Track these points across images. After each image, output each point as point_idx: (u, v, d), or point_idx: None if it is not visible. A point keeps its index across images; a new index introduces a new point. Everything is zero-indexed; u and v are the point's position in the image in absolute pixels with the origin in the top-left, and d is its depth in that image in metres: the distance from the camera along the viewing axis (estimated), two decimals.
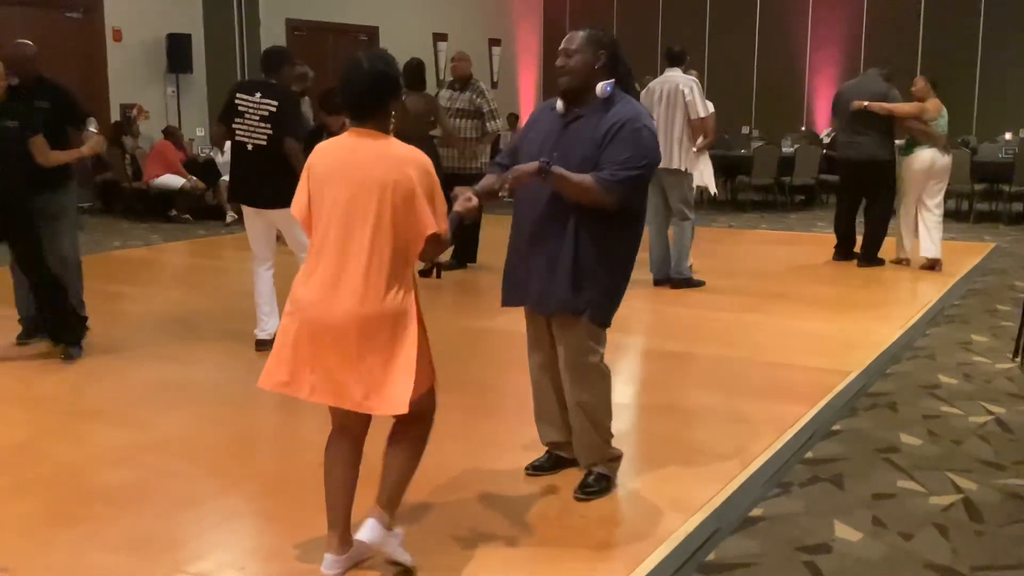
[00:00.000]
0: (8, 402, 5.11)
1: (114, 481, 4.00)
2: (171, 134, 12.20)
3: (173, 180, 11.84)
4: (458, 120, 8.33)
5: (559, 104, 3.72)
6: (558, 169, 3.48)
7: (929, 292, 7.74)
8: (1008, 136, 13.98)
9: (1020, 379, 5.43)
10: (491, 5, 18.55)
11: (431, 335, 3.21)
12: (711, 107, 7.88)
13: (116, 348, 6.10)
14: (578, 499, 3.78)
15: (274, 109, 5.82)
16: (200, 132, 13.58)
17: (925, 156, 8.52)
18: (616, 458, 3.92)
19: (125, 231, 11.18)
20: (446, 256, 8.36)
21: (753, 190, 13.91)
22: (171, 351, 6.07)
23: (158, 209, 11.98)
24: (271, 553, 3.41)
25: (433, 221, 3.01)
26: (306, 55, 13.90)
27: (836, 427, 4.67)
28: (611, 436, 3.88)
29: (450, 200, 3.29)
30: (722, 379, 5.45)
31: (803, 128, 16.72)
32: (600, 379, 3.78)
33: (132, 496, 3.86)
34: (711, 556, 3.38)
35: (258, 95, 5.87)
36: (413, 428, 3.21)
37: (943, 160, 8.54)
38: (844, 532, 3.55)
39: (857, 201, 9.12)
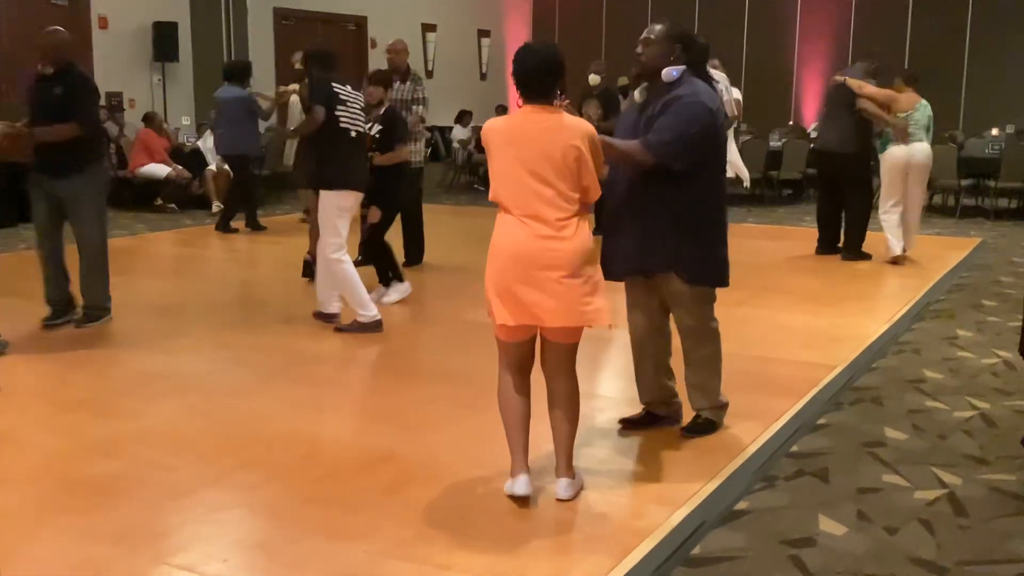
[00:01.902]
0: None
1: (99, 472, 3.98)
2: (150, 120, 12.11)
3: (159, 169, 11.78)
4: (404, 112, 8.09)
5: (637, 94, 4.18)
6: (604, 139, 3.80)
7: (915, 287, 7.75)
8: (995, 131, 14.03)
9: (1005, 374, 5.45)
10: None
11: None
12: (736, 93, 8.16)
13: (101, 338, 6.08)
14: (683, 436, 4.36)
15: (363, 103, 6.45)
16: (186, 120, 13.51)
17: (899, 152, 8.52)
18: (723, 406, 4.46)
19: (111, 220, 11.04)
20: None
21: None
22: (157, 341, 6.04)
23: (144, 198, 11.92)
24: (256, 544, 3.40)
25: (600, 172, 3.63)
26: (294, 44, 13.85)
27: (822, 421, 4.68)
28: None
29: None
30: None
31: (791, 122, 16.74)
32: (715, 338, 4.39)
33: (117, 487, 3.84)
34: (696, 549, 3.38)
35: (348, 87, 6.25)
36: (568, 384, 3.75)
37: (919, 156, 8.48)
38: (829, 526, 3.55)
39: (834, 193, 9.16)
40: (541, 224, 3.51)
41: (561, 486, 3.71)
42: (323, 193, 6.11)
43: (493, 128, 3.62)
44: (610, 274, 4.15)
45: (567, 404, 3.74)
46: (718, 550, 3.37)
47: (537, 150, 3.50)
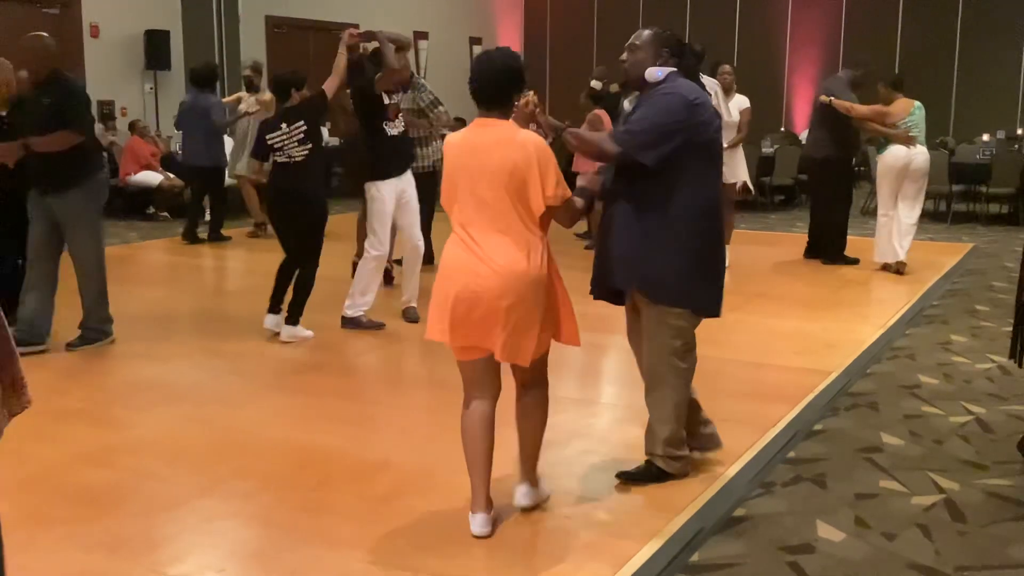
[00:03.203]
0: None
1: (93, 482, 3.96)
2: (137, 128, 12.07)
3: (151, 177, 11.74)
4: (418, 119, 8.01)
5: (627, 103, 4.16)
6: (571, 131, 3.76)
7: (908, 292, 7.76)
8: (986, 137, 14.06)
9: (1000, 379, 5.45)
10: (472, 3, 18.52)
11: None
12: (745, 102, 8.17)
13: (94, 348, 6.04)
14: (617, 479, 3.96)
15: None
16: (179, 129, 13.46)
17: (899, 154, 8.47)
18: (679, 457, 3.98)
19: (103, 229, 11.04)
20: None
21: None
22: (149, 350, 6.01)
23: (136, 206, 11.88)
24: (252, 553, 3.38)
25: (550, 193, 3.34)
26: (286, 52, 13.87)
27: (818, 427, 4.67)
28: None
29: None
30: (703, 379, 5.35)
31: (782, 128, 16.77)
32: (676, 380, 3.91)
33: (111, 497, 3.81)
34: (695, 557, 3.36)
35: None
36: (538, 392, 3.59)
37: (919, 160, 8.46)
38: (827, 532, 3.54)
39: (818, 198, 9.28)
40: (475, 245, 3.33)
41: (519, 492, 3.61)
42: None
43: (450, 142, 3.45)
44: (592, 292, 3.98)
45: (533, 411, 3.58)
46: (717, 557, 3.35)
47: (480, 164, 3.33)
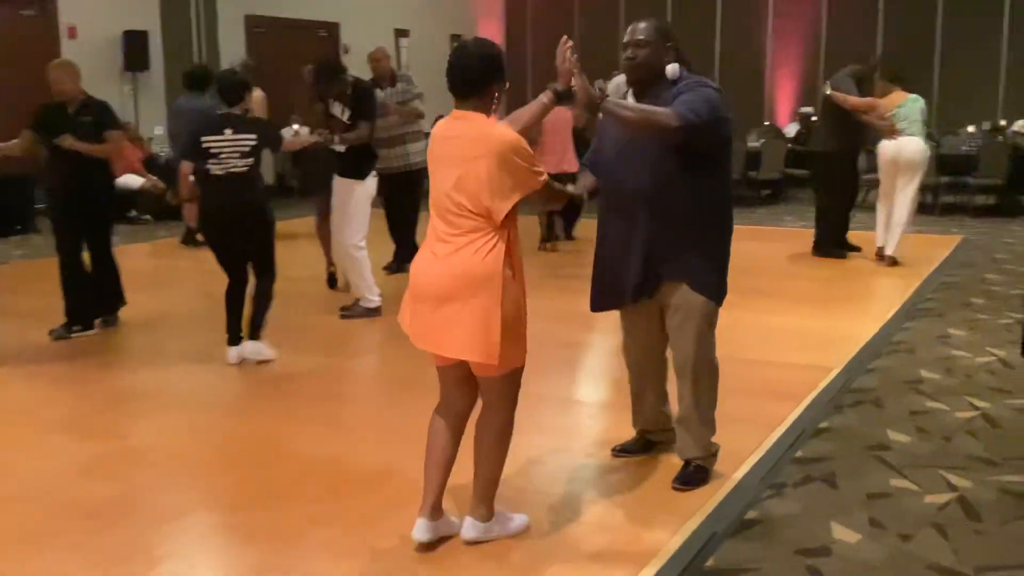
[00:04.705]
0: None
1: (90, 495, 3.85)
2: (127, 131, 11.89)
3: (132, 180, 11.59)
4: (396, 117, 7.92)
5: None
6: (618, 101, 3.56)
7: (903, 287, 7.73)
8: (971, 129, 14.09)
9: (1002, 372, 5.42)
10: (453, 1, 18.40)
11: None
12: None
13: (81, 355, 5.93)
14: (674, 488, 3.86)
15: None
16: (159, 130, 13.30)
17: (886, 145, 8.57)
18: (715, 453, 4.00)
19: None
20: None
21: None
22: (138, 356, 5.90)
23: (118, 210, 11.69)
24: (255, 568, 3.28)
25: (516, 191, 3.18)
26: (266, 52, 13.71)
27: (823, 425, 4.61)
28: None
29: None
30: None
31: (767, 123, 16.75)
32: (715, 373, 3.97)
33: (109, 510, 3.71)
34: (710, 562, 3.30)
35: None
36: (491, 417, 3.37)
37: (908, 151, 8.46)
38: (842, 534, 3.49)
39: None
40: (436, 241, 3.25)
41: (465, 524, 3.38)
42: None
43: (432, 135, 3.35)
44: (616, 300, 3.91)
45: (483, 437, 3.37)
46: (733, 562, 3.29)
47: (447, 156, 3.22)
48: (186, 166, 5.68)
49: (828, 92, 8.84)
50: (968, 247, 9.76)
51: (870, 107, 8.56)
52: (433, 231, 3.28)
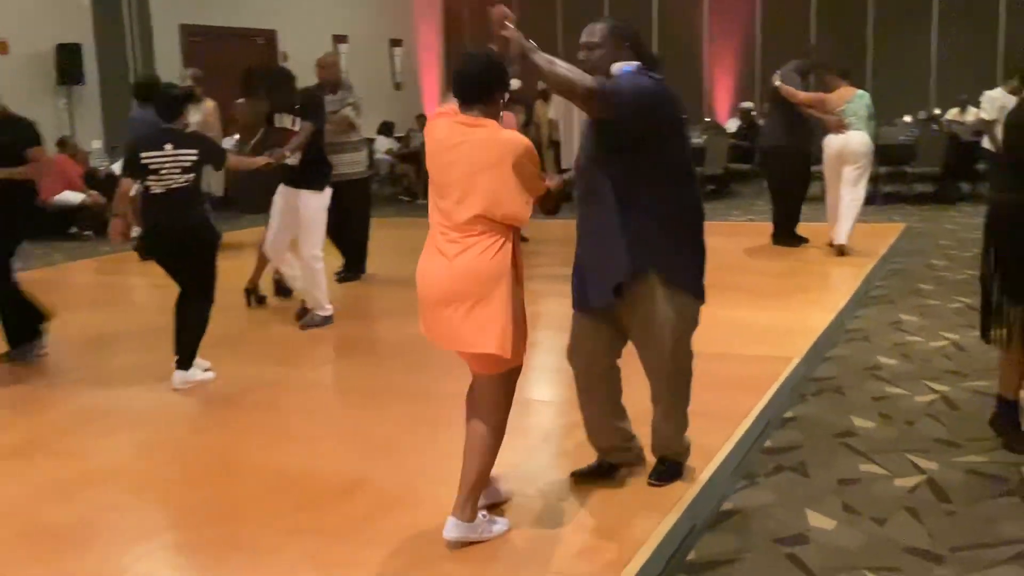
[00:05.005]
0: None
1: (56, 519, 3.76)
2: (64, 145, 11.69)
3: (72, 196, 11.37)
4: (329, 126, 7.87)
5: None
6: (545, 55, 3.37)
7: (852, 275, 7.85)
8: (908, 119, 14.37)
9: (957, 356, 5.52)
10: (391, 5, 18.31)
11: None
12: None
13: (33, 376, 5.79)
14: (650, 484, 3.84)
15: None
16: (97, 144, 13.06)
17: (832, 139, 8.74)
18: (687, 449, 3.97)
19: (24, 252, 10.60)
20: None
21: None
22: (91, 375, 5.78)
23: (57, 227, 11.45)
24: None
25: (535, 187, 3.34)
26: (204, 61, 13.51)
27: (789, 414, 4.67)
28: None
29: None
30: None
31: (707, 119, 16.92)
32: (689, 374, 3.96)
33: (77, 534, 3.63)
34: (692, 555, 3.31)
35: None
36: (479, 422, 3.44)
37: (852, 144, 8.62)
38: (818, 521, 3.52)
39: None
40: (444, 242, 3.31)
41: (448, 524, 3.36)
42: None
43: (431, 139, 3.37)
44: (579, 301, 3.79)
45: (470, 439, 3.41)
46: (714, 554, 3.31)
47: (456, 164, 3.26)
48: (125, 183, 5.50)
49: (777, 84, 8.97)
50: (911, 234, 9.95)
51: (818, 102, 8.73)
52: (440, 234, 3.33)
